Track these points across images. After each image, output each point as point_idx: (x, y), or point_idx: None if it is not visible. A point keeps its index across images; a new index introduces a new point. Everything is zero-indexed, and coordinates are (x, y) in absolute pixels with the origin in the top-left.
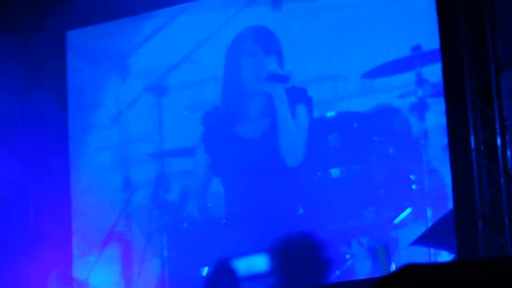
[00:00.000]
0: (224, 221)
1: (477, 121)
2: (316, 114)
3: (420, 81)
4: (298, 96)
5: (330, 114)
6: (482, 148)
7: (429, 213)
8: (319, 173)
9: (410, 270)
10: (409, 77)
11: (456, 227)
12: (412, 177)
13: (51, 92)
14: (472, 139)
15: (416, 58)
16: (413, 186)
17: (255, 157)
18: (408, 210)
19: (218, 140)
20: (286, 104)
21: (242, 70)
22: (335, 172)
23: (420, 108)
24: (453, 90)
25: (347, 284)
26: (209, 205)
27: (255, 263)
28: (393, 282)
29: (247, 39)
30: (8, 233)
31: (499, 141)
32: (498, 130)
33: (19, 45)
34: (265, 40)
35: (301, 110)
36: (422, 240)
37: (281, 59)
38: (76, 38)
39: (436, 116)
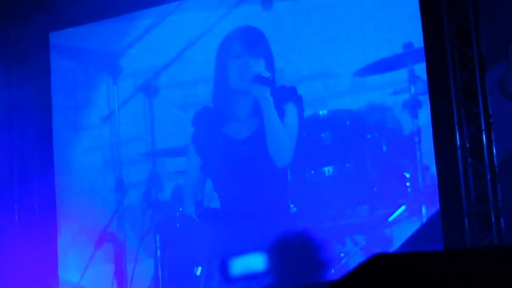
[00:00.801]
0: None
1: (462, 118)
2: (308, 112)
3: (413, 78)
4: (287, 95)
5: (322, 112)
6: (468, 145)
7: (423, 210)
8: (312, 172)
9: (380, 260)
10: (401, 74)
11: (443, 225)
12: (406, 174)
13: (35, 91)
14: (457, 136)
15: (408, 55)
16: (407, 184)
17: (245, 158)
18: (403, 208)
19: (208, 141)
20: (272, 105)
21: (229, 72)
22: (328, 170)
23: (413, 105)
24: (437, 87)
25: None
26: (204, 204)
27: (249, 263)
28: (365, 271)
29: (234, 41)
30: None
31: (484, 138)
32: (483, 127)
33: (2, 44)
34: (252, 42)
35: (291, 109)
36: (411, 241)
37: (270, 59)
38: (60, 38)
39: (428, 113)
